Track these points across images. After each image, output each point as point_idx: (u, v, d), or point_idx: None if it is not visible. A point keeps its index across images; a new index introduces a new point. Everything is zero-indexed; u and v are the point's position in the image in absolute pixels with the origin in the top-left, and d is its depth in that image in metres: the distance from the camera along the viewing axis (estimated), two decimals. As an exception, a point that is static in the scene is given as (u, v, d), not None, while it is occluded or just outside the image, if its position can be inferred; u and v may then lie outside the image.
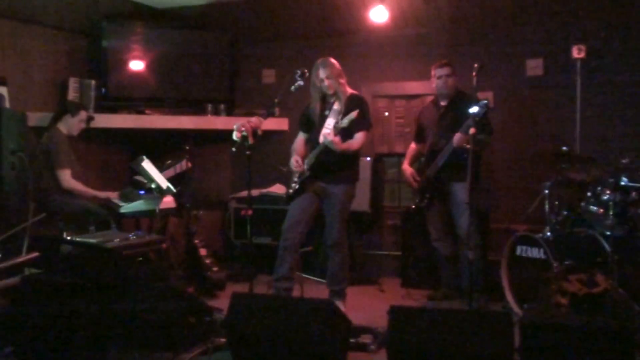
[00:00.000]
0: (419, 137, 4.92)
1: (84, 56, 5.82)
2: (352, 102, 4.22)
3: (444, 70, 4.63)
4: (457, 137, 4.28)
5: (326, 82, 4.27)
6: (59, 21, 5.49)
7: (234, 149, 4.00)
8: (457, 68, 4.68)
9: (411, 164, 4.93)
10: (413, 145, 4.99)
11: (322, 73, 4.26)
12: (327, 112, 4.33)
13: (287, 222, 4.33)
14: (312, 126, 4.43)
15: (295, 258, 4.38)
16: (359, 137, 4.27)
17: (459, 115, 4.39)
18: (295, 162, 4.36)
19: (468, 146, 4.04)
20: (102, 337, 3.26)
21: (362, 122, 4.25)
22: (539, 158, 4.76)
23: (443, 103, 4.67)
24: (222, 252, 5.83)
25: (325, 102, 4.38)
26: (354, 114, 4.05)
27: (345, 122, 4.07)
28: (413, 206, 5.31)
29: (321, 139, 4.22)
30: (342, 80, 4.32)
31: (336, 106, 4.29)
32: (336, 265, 4.39)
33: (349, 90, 4.37)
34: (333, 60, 4.31)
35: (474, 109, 4.07)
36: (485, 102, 4.11)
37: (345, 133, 4.17)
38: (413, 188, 4.86)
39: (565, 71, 5.07)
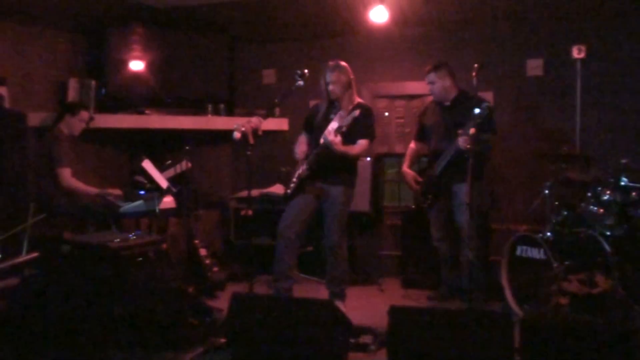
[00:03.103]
0: (420, 136, 4.87)
1: (84, 56, 5.82)
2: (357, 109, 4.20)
3: (428, 78, 4.60)
4: (462, 139, 4.20)
5: (330, 87, 4.27)
6: (59, 21, 5.49)
7: (234, 149, 4.00)
8: (454, 68, 4.62)
9: (411, 166, 4.88)
10: (412, 145, 4.94)
11: (328, 77, 4.27)
12: (331, 116, 4.33)
13: (283, 221, 4.33)
14: (314, 126, 4.43)
15: (293, 257, 4.39)
16: (360, 144, 4.27)
17: (461, 116, 4.33)
18: (300, 151, 4.37)
19: (469, 147, 4.03)
20: (102, 337, 3.26)
21: (366, 130, 4.26)
22: (539, 158, 4.76)
23: (446, 103, 4.63)
24: (222, 252, 5.83)
25: (332, 106, 4.38)
26: (356, 112, 4.05)
27: (347, 120, 4.07)
28: (413, 206, 5.32)
29: (322, 139, 4.22)
30: (350, 89, 4.31)
31: (341, 111, 4.28)
32: (336, 267, 4.38)
33: (357, 99, 4.36)
34: (345, 66, 4.30)
35: (476, 110, 4.06)
36: (487, 104, 4.09)
37: (346, 137, 4.17)
38: (415, 190, 4.81)
39: (565, 71, 5.08)
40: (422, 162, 4.88)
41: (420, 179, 4.74)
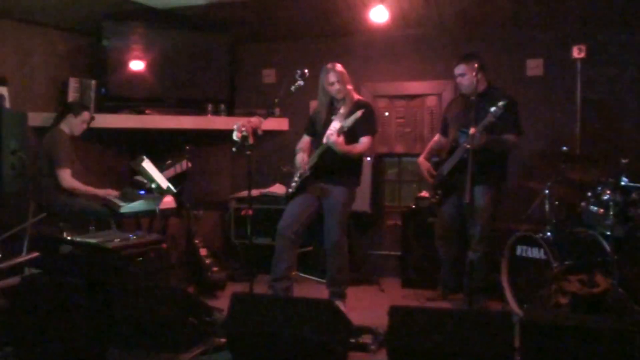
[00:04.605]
0: (444, 130, 4.76)
1: (84, 56, 5.82)
2: (359, 108, 4.19)
3: (458, 69, 4.45)
4: (475, 137, 4.02)
5: (337, 86, 4.28)
6: (59, 21, 5.49)
7: (234, 149, 4.00)
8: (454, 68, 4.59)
9: (429, 158, 4.77)
10: (436, 138, 4.84)
11: (332, 77, 4.28)
12: (333, 117, 4.34)
13: (283, 221, 4.33)
14: (317, 129, 4.43)
15: (293, 257, 4.39)
16: (363, 142, 4.27)
17: (483, 112, 4.12)
18: (302, 159, 4.37)
19: (467, 146, 4.01)
20: (102, 337, 3.26)
21: (368, 127, 4.26)
22: (539, 158, 4.75)
23: (472, 97, 4.33)
24: (222, 252, 5.83)
25: (333, 107, 4.39)
26: (358, 113, 4.06)
27: (349, 121, 4.07)
28: (413, 206, 5.32)
29: (324, 140, 4.22)
30: (350, 86, 4.34)
31: (342, 110, 4.29)
32: (336, 267, 4.38)
33: (356, 96, 4.39)
34: (341, 66, 4.34)
35: (492, 108, 4.00)
36: (502, 103, 4.00)
37: (349, 136, 4.17)
38: (428, 183, 4.74)
39: (565, 71, 5.08)
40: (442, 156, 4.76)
41: (434, 173, 4.66)
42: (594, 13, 5.02)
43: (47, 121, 5.06)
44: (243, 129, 3.97)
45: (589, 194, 4.12)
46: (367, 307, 4.59)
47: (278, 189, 5.59)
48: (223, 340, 3.48)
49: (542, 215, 4.34)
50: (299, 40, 6.02)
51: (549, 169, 4.42)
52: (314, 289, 5.01)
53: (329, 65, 4.33)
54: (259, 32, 6.10)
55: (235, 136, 3.99)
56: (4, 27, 5.10)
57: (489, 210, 4.40)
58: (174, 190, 4.88)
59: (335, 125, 4.23)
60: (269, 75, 6.19)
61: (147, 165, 4.85)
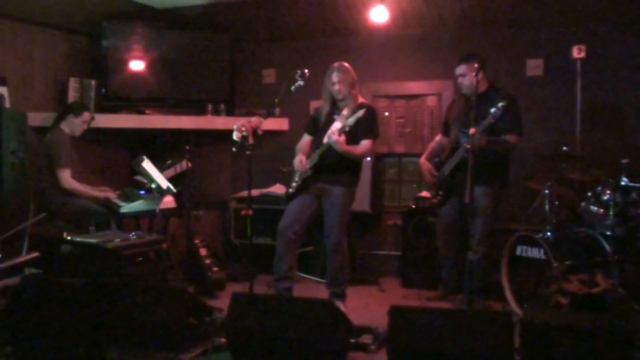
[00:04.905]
0: (446, 130, 4.76)
1: (84, 56, 5.83)
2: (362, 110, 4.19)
3: (458, 70, 4.45)
4: (475, 138, 4.00)
5: (337, 87, 4.27)
6: (59, 21, 5.50)
7: (234, 149, 4.00)
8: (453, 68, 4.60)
9: (430, 158, 4.77)
10: (437, 138, 4.84)
11: (334, 77, 4.28)
12: (335, 117, 4.33)
13: (284, 221, 4.33)
14: (318, 129, 4.43)
15: (293, 257, 4.39)
16: (364, 144, 4.27)
17: (483, 112, 4.11)
18: (299, 161, 4.36)
19: (468, 146, 4.00)
20: (102, 337, 3.26)
21: (369, 130, 4.26)
22: (539, 158, 4.75)
23: (473, 98, 4.30)
24: (222, 252, 5.83)
25: (335, 107, 4.38)
26: (360, 112, 4.06)
27: (351, 119, 4.07)
28: (413, 206, 5.32)
29: (325, 139, 4.22)
30: (355, 90, 4.33)
31: (345, 112, 4.28)
32: (336, 267, 4.38)
33: (360, 99, 4.38)
34: (349, 67, 4.32)
35: (492, 109, 4.00)
36: (501, 104, 4.01)
37: (350, 138, 4.17)
38: (429, 183, 4.76)
39: (565, 71, 5.08)
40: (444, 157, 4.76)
41: (435, 173, 4.67)
42: (594, 13, 5.02)
43: (47, 121, 5.06)
44: (243, 129, 3.97)
45: (589, 194, 4.12)
46: (367, 307, 4.59)
47: (278, 189, 5.59)
48: (223, 340, 3.48)
49: (542, 215, 4.34)
50: (299, 40, 6.02)
51: (549, 169, 4.42)
52: (314, 289, 5.01)
53: (335, 65, 4.33)
54: (259, 32, 6.10)
55: (235, 136, 3.99)
56: (4, 27, 5.10)
57: (489, 210, 4.40)
58: (174, 190, 4.88)
59: (337, 124, 4.23)
60: (269, 75, 6.19)
61: (147, 165, 4.85)
